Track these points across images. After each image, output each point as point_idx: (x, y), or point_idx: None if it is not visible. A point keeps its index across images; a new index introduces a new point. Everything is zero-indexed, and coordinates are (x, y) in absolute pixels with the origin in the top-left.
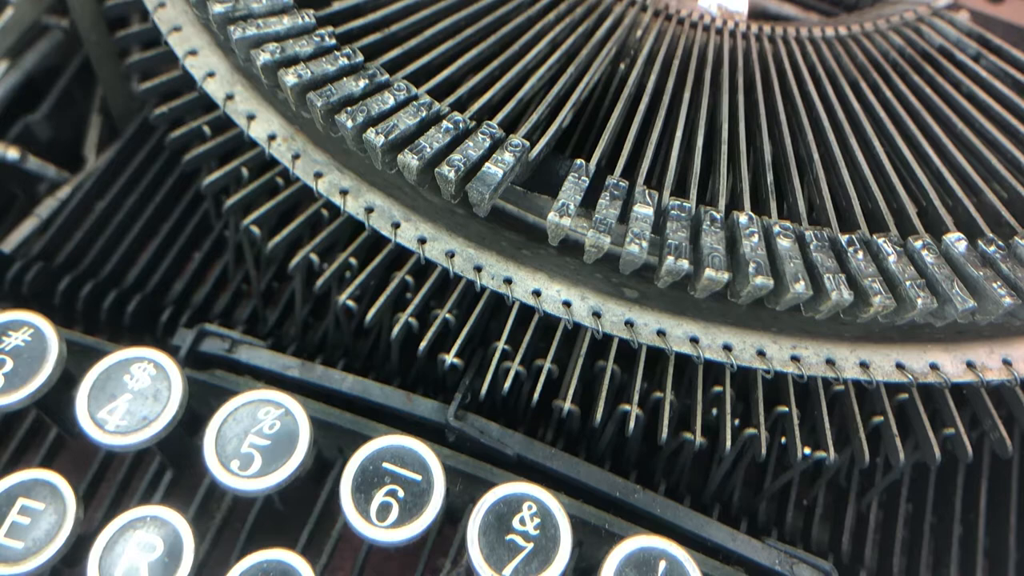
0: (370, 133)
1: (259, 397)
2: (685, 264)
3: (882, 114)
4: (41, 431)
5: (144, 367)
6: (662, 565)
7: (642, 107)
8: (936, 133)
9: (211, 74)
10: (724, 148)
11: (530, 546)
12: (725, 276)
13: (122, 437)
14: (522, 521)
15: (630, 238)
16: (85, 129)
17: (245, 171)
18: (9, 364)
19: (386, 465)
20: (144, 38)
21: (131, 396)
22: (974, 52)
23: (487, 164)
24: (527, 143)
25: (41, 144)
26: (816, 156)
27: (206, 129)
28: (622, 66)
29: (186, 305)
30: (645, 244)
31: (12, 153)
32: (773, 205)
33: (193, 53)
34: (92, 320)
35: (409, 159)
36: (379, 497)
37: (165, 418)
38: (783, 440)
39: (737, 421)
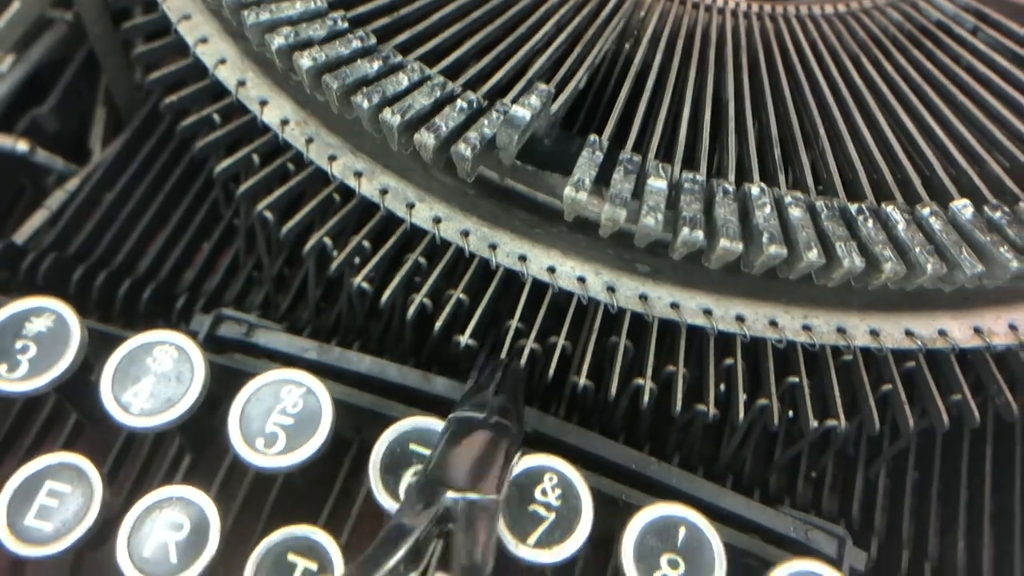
0: (386, 113)
1: (281, 377)
2: (700, 235)
3: (884, 89)
4: (60, 416)
5: (166, 350)
6: (682, 532)
7: (649, 84)
8: (938, 106)
9: (222, 61)
10: (732, 124)
11: (552, 516)
12: (740, 246)
13: (148, 419)
14: (544, 492)
15: (645, 211)
16: (90, 121)
17: (256, 158)
18: (33, 350)
19: (412, 447)
20: (151, 28)
21: (155, 378)
22: (971, 26)
23: (514, 107)
24: (552, 89)
25: (48, 136)
26: (822, 130)
27: (216, 117)
28: (627, 45)
29: (199, 292)
30: (660, 216)
31: (22, 146)
32: (781, 178)
33: (204, 41)
34: (106, 308)
35: (426, 138)
36: (407, 478)
37: (189, 399)
38: (789, 413)
39: (744, 391)
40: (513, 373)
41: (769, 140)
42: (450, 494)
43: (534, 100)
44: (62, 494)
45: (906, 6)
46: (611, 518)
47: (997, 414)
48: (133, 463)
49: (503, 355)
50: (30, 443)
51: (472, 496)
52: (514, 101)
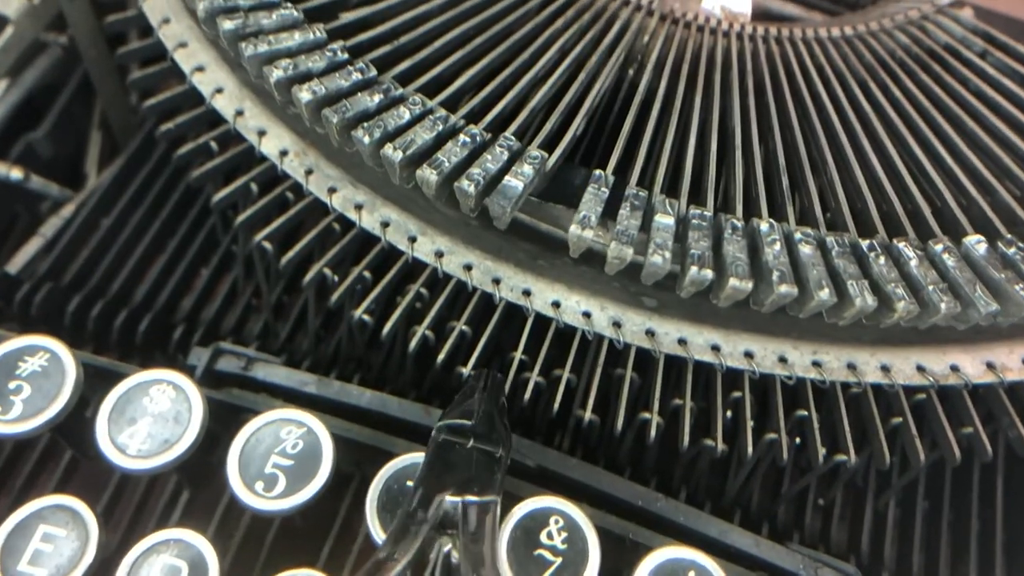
0: (388, 149)
1: (281, 416)
2: (709, 274)
3: (892, 114)
4: (54, 454)
5: (163, 389)
6: None
7: (654, 112)
8: (947, 132)
9: (219, 90)
10: (738, 153)
11: (559, 560)
12: (749, 285)
13: (144, 460)
14: (550, 535)
15: (652, 248)
16: (86, 146)
17: (254, 187)
18: (27, 390)
19: (410, 483)
20: (146, 54)
21: (151, 419)
22: (980, 49)
23: (507, 177)
24: (545, 155)
25: (42, 162)
26: (830, 158)
27: (213, 145)
28: (631, 71)
29: (196, 322)
30: (668, 254)
31: (15, 173)
32: (790, 209)
33: (200, 69)
34: (102, 340)
35: (428, 174)
36: None
37: (187, 440)
38: (796, 441)
39: (752, 424)
40: (494, 380)
41: (776, 167)
42: (449, 497)
43: (526, 169)
44: (56, 538)
45: (914, 29)
46: (618, 557)
47: (1008, 443)
48: (129, 501)
49: (506, 386)
50: (22, 483)
51: (471, 498)
52: (516, 135)
